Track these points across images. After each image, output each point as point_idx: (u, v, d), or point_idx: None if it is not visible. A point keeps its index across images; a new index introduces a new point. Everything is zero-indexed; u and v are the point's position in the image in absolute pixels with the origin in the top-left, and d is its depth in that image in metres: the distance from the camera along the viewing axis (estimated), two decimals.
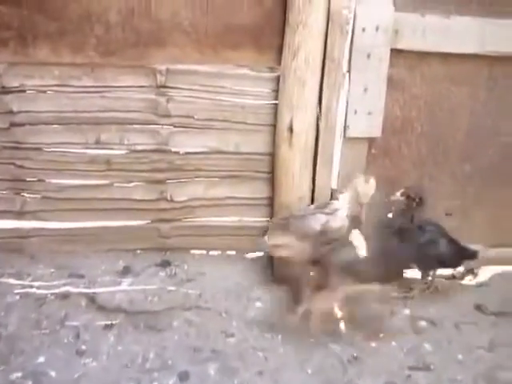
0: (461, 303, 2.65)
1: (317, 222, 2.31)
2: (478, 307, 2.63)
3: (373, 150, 2.58)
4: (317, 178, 2.54)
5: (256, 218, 2.74)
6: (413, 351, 2.32)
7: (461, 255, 2.55)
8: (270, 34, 2.40)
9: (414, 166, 2.65)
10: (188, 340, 2.27)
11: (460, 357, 2.31)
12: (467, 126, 2.60)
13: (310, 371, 2.19)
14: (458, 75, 2.50)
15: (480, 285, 2.83)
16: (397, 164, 2.63)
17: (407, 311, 2.55)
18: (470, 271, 2.91)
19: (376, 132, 2.46)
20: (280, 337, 2.35)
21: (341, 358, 2.26)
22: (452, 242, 2.52)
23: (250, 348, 2.27)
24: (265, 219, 2.72)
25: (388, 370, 2.21)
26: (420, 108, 2.54)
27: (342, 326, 2.36)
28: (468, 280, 2.87)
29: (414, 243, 2.50)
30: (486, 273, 2.90)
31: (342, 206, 2.32)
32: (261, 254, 2.83)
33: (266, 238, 2.39)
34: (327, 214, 2.33)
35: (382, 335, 2.39)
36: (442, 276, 2.79)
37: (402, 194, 2.45)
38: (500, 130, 2.63)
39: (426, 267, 2.61)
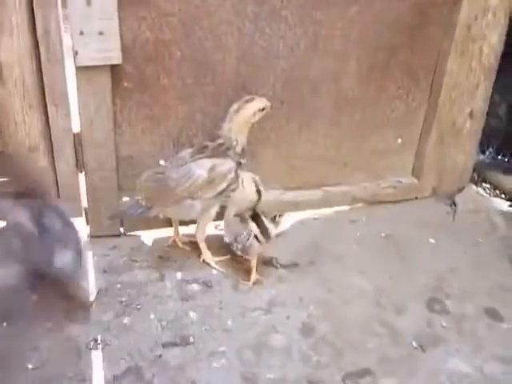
0: None
1: (202, 169, 1.98)
2: (268, 261, 2.27)
3: (125, 83, 2.09)
4: (51, 121, 2.02)
5: None
6: (173, 323, 1.92)
7: None
8: None
9: (181, 99, 2.19)
10: None
11: (229, 323, 1.94)
12: (238, 48, 2.16)
13: (30, 366, 1.71)
14: None
15: (278, 235, 2.46)
16: (159, 99, 2.16)
17: (179, 275, 2.13)
18: (270, 220, 2.54)
19: (115, 57, 1.96)
20: (5, 324, 1.85)
21: (77, 344, 1.80)
22: None
23: None
24: (4, 179, 2.16)
25: (134, 352, 1.79)
26: (175, 27, 2.06)
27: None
28: None
29: None
30: (287, 221, 2.55)
31: (227, 142, 2.05)
32: None
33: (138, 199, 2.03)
34: (210, 156, 2.01)
35: (139, 306, 1.96)
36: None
37: None
38: (279, 53, 2.22)
39: None
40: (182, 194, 2.00)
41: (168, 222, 2.31)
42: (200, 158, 2.03)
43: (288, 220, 2.54)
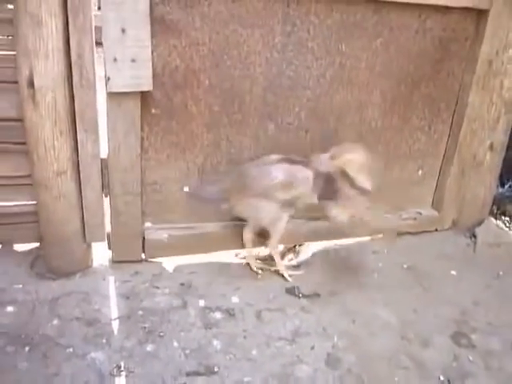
0: (271, 287, 2.26)
1: (279, 171, 2.08)
2: (290, 290, 2.25)
3: (153, 110, 2.11)
4: (80, 146, 2.03)
5: (19, 202, 2.18)
6: (197, 351, 1.89)
7: None
8: None
9: (208, 127, 2.20)
10: None
11: (254, 353, 1.91)
12: (265, 78, 2.19)
13: None
14: (246, 16, 2.07)
15: (300, 264, 2.46)
16: (185, 126, 2.18)
17: (202, 302, 2.11)
18: (291, 249, 2.55)
19: (146, 85, 1.98)
20: (27, 349, 1.83)
21: (100, 370, 1.77)
22: None
23: None
24: (30, 202, 2.17)
25: (158, 380, 1.76)
26: (204, 56, 2.09)
27: None
28: (288, 260, 2.49)
29: None
30: (308, 250, 2.54)
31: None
32: (33, 245, 2.29)
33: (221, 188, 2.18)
34: (292, 162, 2.12)
35: (162, 333, 1.94)
36: (258, 257, 2.41)
37: None
38: (305, 83, 2.24)
39: None
40: (258, 190, 2.08)
41: (189, 249, 2.31)
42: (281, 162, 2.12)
43: (309, 249, 2.53)
